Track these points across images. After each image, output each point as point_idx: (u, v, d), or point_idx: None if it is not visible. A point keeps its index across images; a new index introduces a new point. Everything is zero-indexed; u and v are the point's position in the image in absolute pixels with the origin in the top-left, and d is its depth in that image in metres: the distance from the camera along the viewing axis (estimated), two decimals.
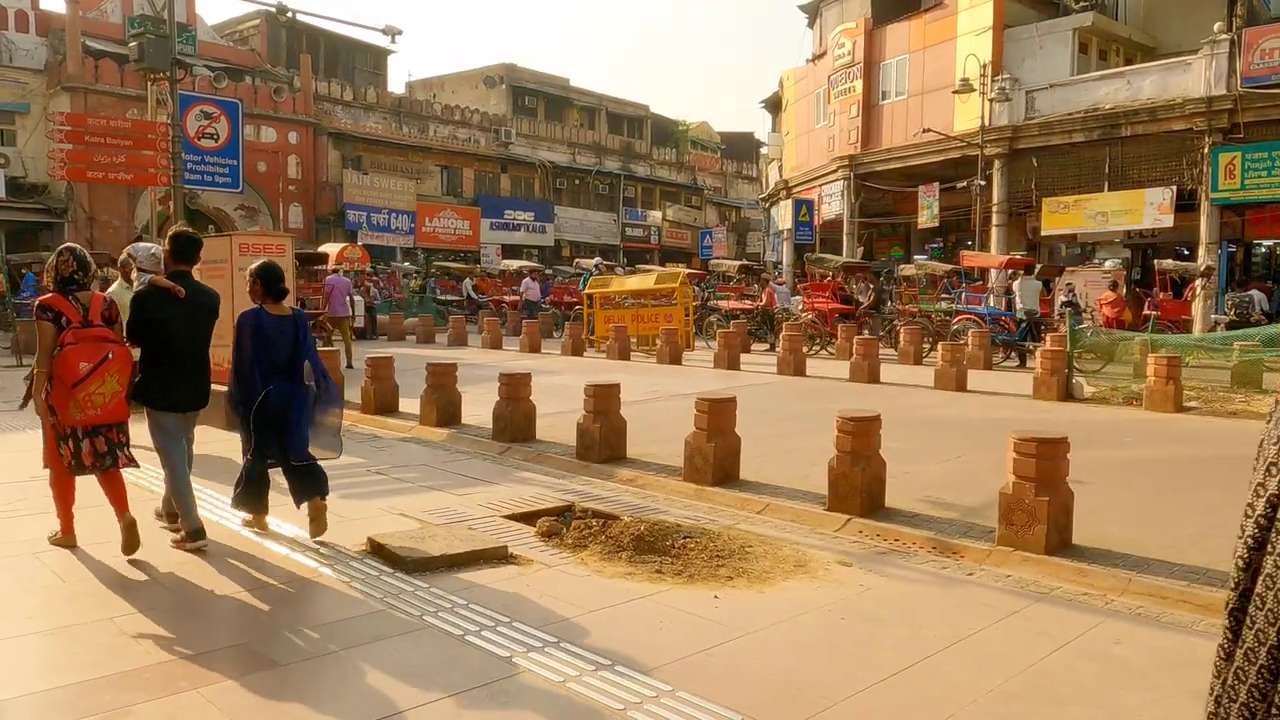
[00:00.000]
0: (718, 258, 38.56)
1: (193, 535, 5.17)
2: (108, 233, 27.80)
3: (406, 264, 32.16)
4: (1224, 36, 19.69)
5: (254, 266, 5.60)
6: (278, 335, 5.39)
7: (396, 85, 42.92)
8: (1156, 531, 5.74)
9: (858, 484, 6.07)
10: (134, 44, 12.70)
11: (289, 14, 16.07)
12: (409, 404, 10.38)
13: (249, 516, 5.66)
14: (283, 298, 5.56)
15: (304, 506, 5.42)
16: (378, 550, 5.14)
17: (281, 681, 3.57)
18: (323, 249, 24.87)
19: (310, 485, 5.41)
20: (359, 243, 30.46)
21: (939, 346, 14.22)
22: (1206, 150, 19.84)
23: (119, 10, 29.92)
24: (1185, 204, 20.62)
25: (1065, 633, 4.16)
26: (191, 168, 13.49)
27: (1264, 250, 24.71)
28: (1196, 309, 19.31)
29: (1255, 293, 18.65)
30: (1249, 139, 19.43)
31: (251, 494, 5.51)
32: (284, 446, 5.37)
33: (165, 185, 12.72)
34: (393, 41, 17.01)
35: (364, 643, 3.93)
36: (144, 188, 21.72)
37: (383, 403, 10.49)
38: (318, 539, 5.35)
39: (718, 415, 7.03)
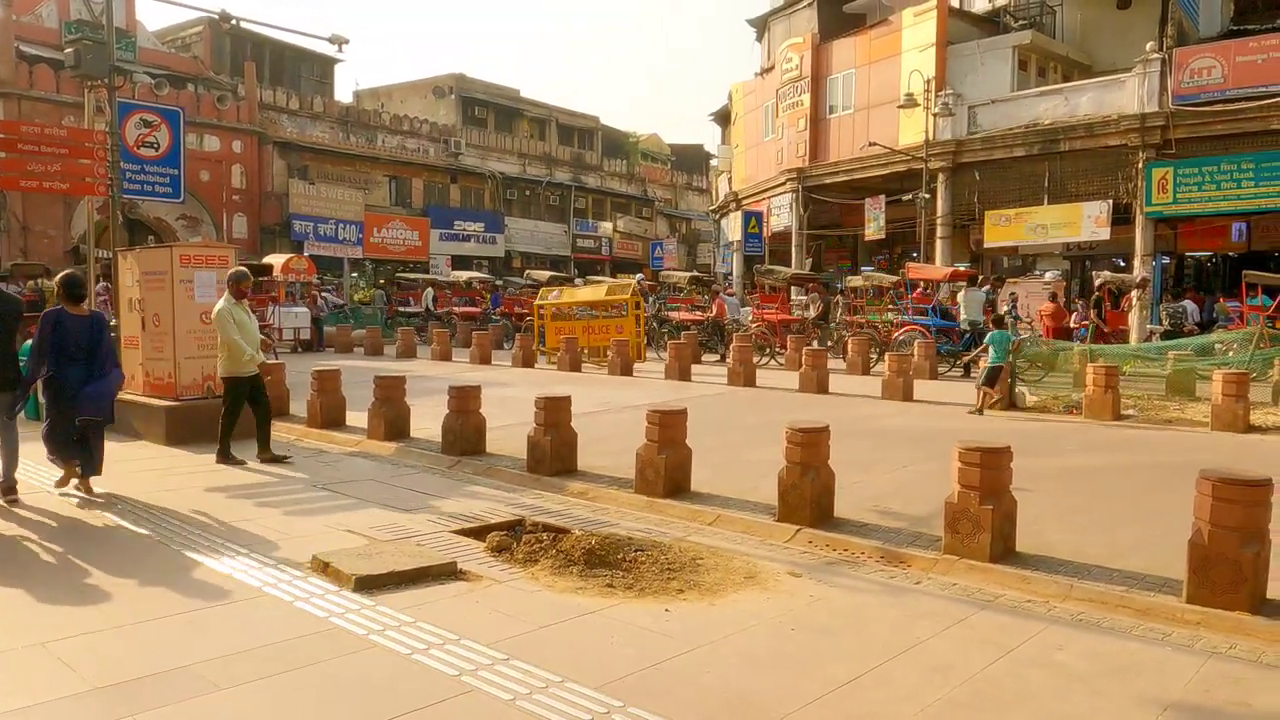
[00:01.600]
0: (668, 269, 38.72)
1: (4, 490, 6.66)
2: (43, 243, 27.01)
3: (429, 275, 31.52)
4: (1156, 56, 20.34)
5: (58, 277, 7.17)
6: (74, 330, 6.73)
7: (344, 94, 42.46)
8: (1096, 538, 5.87)
9: (807, 495, 6.11)
10: (70, 50, 12.33)
11: (232, 21, 15.79)
12: (356, 417, 10.21)
13: (60, 476, 7.03)
14: (81, 300, 6.93)
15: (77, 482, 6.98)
16: (323, 568, 5.04)
17: (224, 706, 3.47)
18: (268, 260, 24.44)
19: (89, 466, 6.93)
20: (305, 253, 29.98)
21: (886, 357, 14.43)
22: (1140, 165, 20.46)
23: (55, 14, 29.08)
24: (1121, 217, 21.22)
25: (1010, 640, 4.23)
26: (131, 177, 13.13)
27: (1196, 262, 25.52)
28: (1133, 319, 19.85)
29: (1188, 303, 19.24)
30: (1180, 155, 20.08)
31: (59, 452, 6.89)
32: (77, 407, 6.65)
33: (103, 195, 12.35)
34: (339, 50, 16.85)
35: (309, 664, 3.85)
36: (81, 197, 21.15)
37: (329, 416, 10.31)
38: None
39: (669, 427, 7.04)
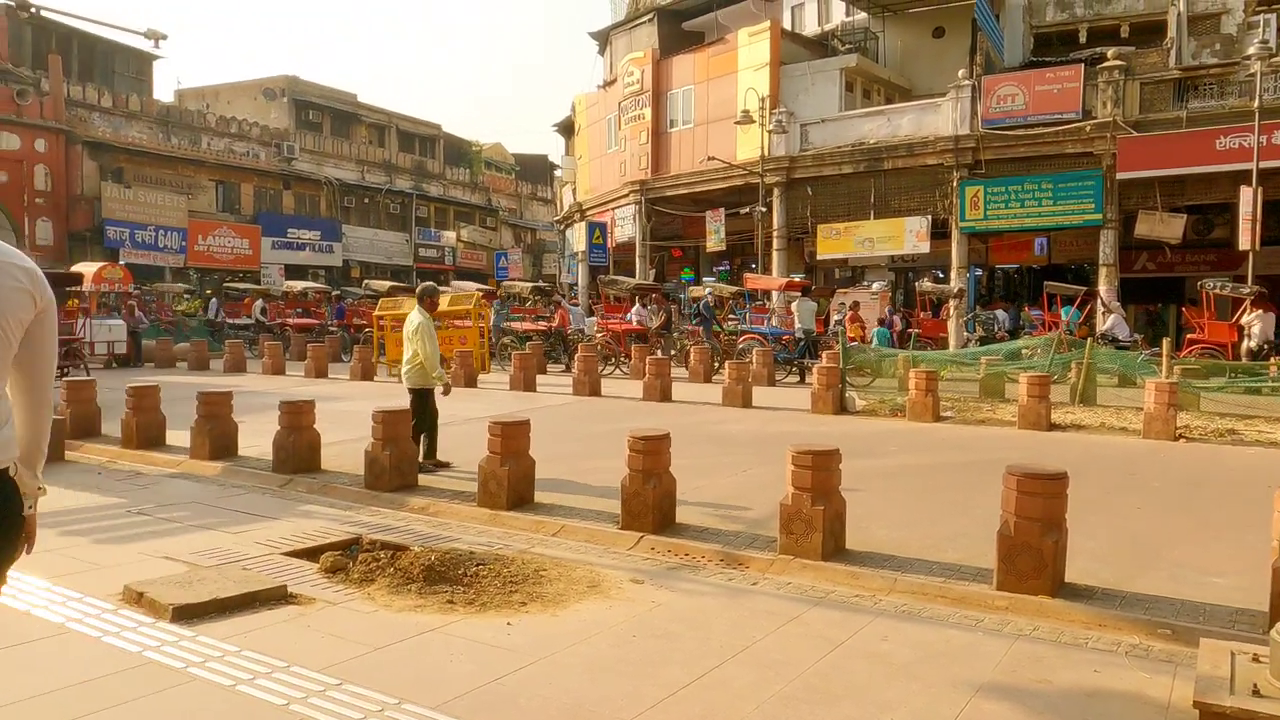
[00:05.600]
0: (513, 279, 38.42)
1: None
2: None
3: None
4: (967, 82, 21.91)
5: None
6: None
7: (164, 93, 39.87)
8: (919, 533, 6.23)
9: (649, 501, 6.19)
10: None
11: (32, 9, 14.57)
12: (178, 436, 9.59)
13: None
14: None
15: None
16: (137, 599, 4.70)
17: None
18: (77, 269, 22.61)
19: None
20: (121, 261, 27.99)
21: (726, 365, 14.84)
22: (955, 183, 21.97)
23: None
24: (939, 232, 22.71)
25: (839, 634, 4.43)
26: None
27: (1005, 274, 27.59)
28: (951, 327, 21.26)
29: (999, 312, 20.80)
30: (990, 174, 21.71)
31: None
32: None
33: None
34: (157, 46, 15.79)
35: (119, 702, 3.57)
36: None
37: (146, 436, 9.63)
38: None
39: (511, 438, 6.97)
